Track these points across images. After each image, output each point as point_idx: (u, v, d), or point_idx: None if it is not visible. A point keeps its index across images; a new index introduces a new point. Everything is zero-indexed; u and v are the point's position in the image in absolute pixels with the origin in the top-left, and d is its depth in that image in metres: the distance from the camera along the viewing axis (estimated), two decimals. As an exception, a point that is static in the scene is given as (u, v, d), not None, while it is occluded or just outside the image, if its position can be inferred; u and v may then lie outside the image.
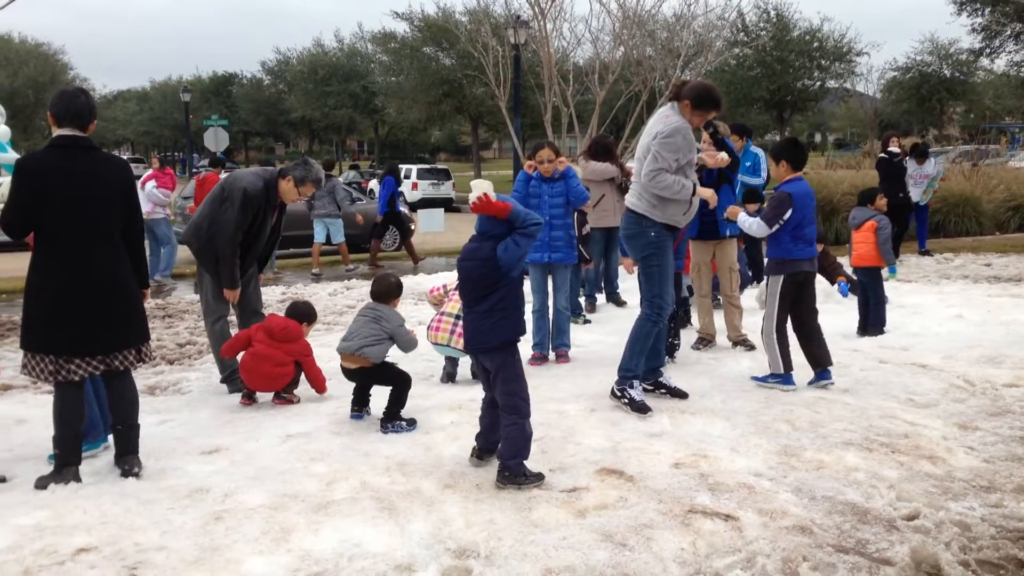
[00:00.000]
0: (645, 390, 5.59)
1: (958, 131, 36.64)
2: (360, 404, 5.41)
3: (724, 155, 6.11)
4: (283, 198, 6.16)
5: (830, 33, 39.93)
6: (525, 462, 4.25)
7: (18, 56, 49.41)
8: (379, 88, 48.45)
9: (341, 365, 5.49)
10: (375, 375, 5.41)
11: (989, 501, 4.04)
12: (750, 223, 6.09)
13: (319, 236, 13.93)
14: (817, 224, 6.37)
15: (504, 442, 4.30)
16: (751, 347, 7.02)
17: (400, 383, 5.33)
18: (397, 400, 5.27)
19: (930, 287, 10.32)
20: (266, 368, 5.68)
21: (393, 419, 5.20)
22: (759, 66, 39.63)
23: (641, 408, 5.29)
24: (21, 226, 4.29)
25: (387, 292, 5.63)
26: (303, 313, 6.04)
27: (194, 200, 14.30)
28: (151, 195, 12.84)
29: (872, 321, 7.66)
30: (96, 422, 4.81)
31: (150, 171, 13.38)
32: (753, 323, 7.55)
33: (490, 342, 4.29)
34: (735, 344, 7.15)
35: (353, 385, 5.48)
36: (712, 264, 7.28)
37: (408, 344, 5.54)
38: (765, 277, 6.24)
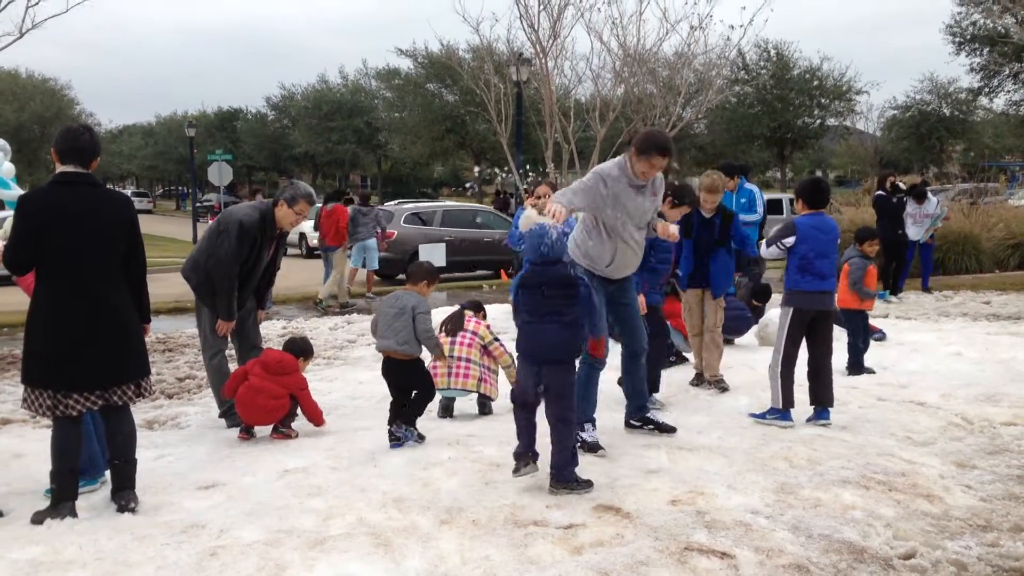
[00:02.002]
0: (632, 426, 5.66)
1: (958, 169, 36.66)
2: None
3: (675, 229, 5.66)
4: (281, 224, 6.21)
5: (830, 72, 40.17)
6: (576, 469, 4.61)
7: (24, 91, 49.82)
8: (382, 124, 48.88)
9: (384, 360, 5.67)
10: (414, 372, 5.63)
11: (986, 540, 4.03)
12: (763, 250, 6.30)
13: (355, 262, 14.51)
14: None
15: (558, 453, 4.61)
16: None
17: (426, 389, 5.61)
18: (417, 406, 5.56)
19: (929, 325, 10.32)
20: (261, 401, 5.70)
21: (410, 424, 5.50)
22: (760, 104, 39.88)
23: (592, 447, 5.27)
24: (24, 262, 4.34)
25: (417, 273, 5.77)
26: (300, 349, 6.07)
27: (322, 231, 13.74)
28: None
29: (847, 362, 7.57)
30: (96, 459, 4.81)
31: None
32: (752, 360, 7.56)
33: (559, 354, 4.63)
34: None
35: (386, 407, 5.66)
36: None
37: (428, 342, 5.67)
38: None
